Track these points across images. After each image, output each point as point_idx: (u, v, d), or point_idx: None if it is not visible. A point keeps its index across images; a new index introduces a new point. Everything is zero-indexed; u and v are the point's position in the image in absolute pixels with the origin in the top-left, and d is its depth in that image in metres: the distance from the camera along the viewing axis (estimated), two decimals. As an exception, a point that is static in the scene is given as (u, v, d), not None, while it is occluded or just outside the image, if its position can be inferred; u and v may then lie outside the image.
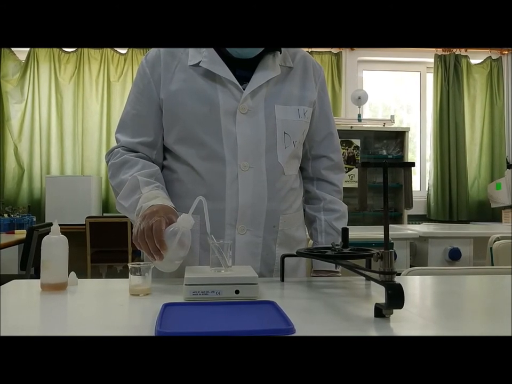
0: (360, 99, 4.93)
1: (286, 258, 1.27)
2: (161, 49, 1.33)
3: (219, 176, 1.28)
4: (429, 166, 5.40)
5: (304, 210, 1.49)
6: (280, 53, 1.34)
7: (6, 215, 4.45)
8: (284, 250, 1.33)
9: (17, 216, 4.46)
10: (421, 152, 5.57)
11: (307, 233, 1.49)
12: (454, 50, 5.33)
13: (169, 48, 1.33)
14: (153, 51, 1.35)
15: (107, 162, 1.38)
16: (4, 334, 0.78)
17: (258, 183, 1.29)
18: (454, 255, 3.04)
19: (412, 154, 5.54)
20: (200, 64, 1.28)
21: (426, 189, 5.40)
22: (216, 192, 1.28)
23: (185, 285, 1.02)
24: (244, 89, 1.28)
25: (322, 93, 1.44)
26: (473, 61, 5.42)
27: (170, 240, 1.10)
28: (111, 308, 0.99)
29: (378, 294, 1.07)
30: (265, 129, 1.30)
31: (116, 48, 5.06)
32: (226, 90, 1.28)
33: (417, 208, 5.23)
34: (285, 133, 1.32)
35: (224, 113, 1.27)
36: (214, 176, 1.28)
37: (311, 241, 1.49)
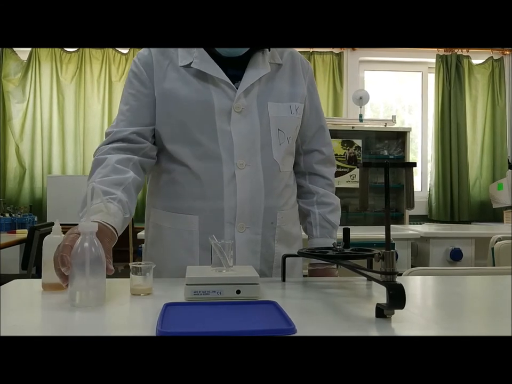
0: (361, 99, 4.93)
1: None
2: (152, 49, 1.33)
3: (216, 175, 1.28)
4: (431, 166, 5.40)
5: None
6: (269, 51, 1.34)
7: (7, 215, 4.45)
8: (282, 246, 1.35)
9: (19, 215, 4.46)
10: (422, 152, 5.57)
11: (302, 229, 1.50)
12: (456, 50, 5.32)
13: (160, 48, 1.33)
14: (144, 50, 1.35)
15: None
16: (4, 334, 0.78)
17: (255, 181, 1.29)
18: (456, 256, 3.03)
19: (413, 155, 5.53)
20: (192, 65, 1.28)
21: (428, 189, 5.40)
22: (213, 192, 1.28)
23: (187, 284, 1.02)
24: (236, 88, 1.28)
25: (312, 87, 1.44)
26: (475, 61, 5.41)
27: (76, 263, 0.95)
28: (112, 308, 0.99)
29: (380, 294, 1.07)
30: (260, 126, 1.30)
31: (117, 48, 5.07)
32: (220, 90, 1.28)
33: (419, 209, 5.23)
34: (278, 129, 1.32)
35: (219, 113, 1.27)
36: (210, 176, 1.28)
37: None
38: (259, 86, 1.31)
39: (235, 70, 1.30)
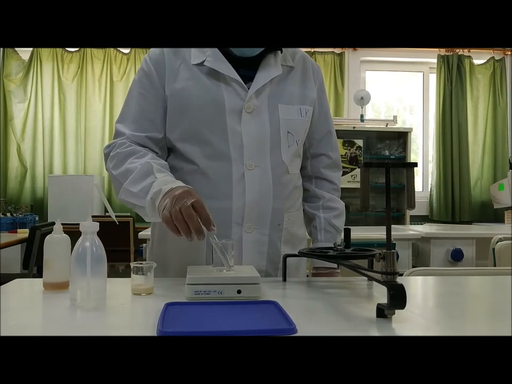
0: (362, 99, 4.93)
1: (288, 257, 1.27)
2: (165, 48, 1.33)
3: (225, 175, 1.27)
4: (432, 166, 5.40)
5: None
6: (281, 53, 1.35)
7: (8, 214, 4.46)
8: (288, 248, 1.35)
9: (20, 215, 4.47)
10: (423, 152, 5.57)
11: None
12: (457, 50, 5.32)
13: None
14: (156, 49, 1.35)
15: (107, 153, 1.31)
16: (4, 334, 0.78)
17: (264, 182, 1.29)
18: (456, 256, 3.03)
19: (414, 155, 5.53)
20: (204, 63, 1.28)
21: (429, 190, 5.40)
22: (222, 191, 1.27)
23: (187, 284, 1.02)
24: (248, 89, 1.28)
25: (321, 92, 1.45)
26: (476, 62, 5.41)
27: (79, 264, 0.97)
28: (113, 307, 0.99)
29: (380, 295, 1.07)
30: (270, 128, 1.30)
31: (118, 48, 5.07)
32: (231, 89, 1.28)
33: (420, 209, 5.23)
34: (288, 132, 1.32)
35: (230, 112, 1.27)
36: (220, 175, 1.28)
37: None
38: (270, 87, 1.31)
39: (247, 70, 1.30)
